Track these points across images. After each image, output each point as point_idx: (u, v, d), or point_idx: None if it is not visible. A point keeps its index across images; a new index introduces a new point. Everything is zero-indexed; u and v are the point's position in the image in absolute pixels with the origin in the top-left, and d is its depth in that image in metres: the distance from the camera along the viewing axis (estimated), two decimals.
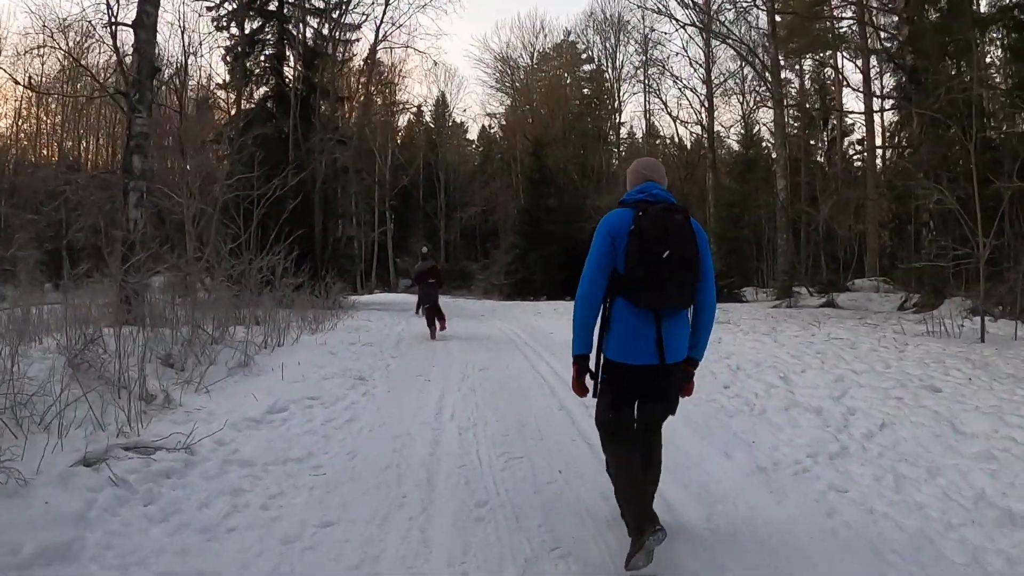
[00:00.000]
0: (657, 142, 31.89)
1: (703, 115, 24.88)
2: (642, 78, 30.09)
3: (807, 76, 35.61)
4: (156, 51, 12.70)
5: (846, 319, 13.12)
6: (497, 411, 5.31)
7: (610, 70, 32.88)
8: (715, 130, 26.04)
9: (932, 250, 14.01)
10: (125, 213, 10.10)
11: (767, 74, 21.19)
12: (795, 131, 37.37)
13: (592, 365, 2.88)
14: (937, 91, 12.34)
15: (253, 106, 20.56)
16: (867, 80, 26.05)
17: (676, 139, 28.03)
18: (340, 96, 20.07)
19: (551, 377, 6.76)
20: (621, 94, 32.28)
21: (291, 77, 20.29)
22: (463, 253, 41.55)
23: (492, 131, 46.06)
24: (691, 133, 27.50)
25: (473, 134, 50.74)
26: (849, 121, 34.88)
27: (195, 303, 8.92)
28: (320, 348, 8.33)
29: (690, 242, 2.68)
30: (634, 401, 2.89)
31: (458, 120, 49.91)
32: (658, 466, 3.00)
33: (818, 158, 35.58)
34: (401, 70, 37.71)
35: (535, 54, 40.65)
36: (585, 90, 40.46)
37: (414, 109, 44.29)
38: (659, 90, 28.58)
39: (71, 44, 19.75)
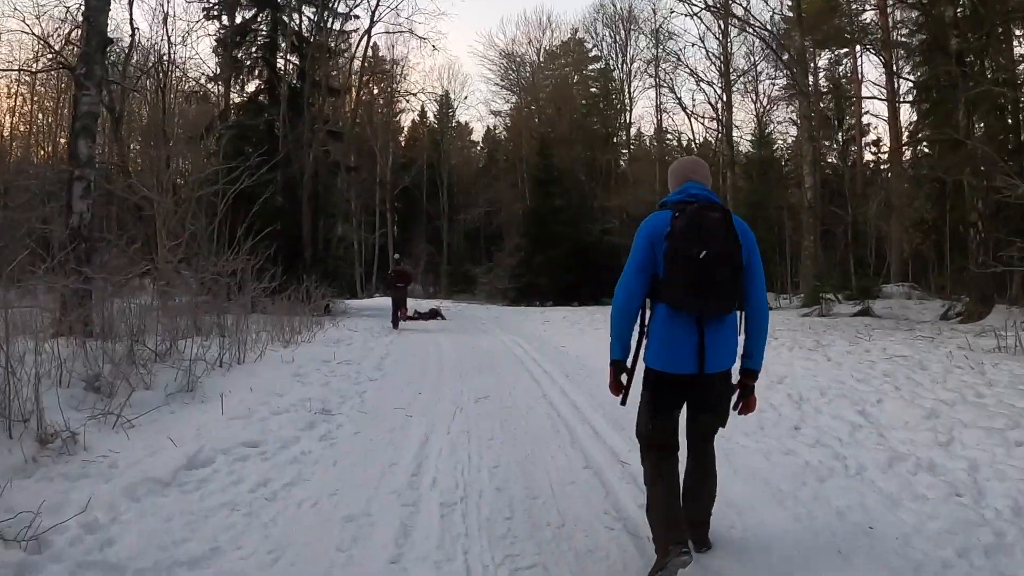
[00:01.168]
0: (668, 139, 30.34)
1: (720, 110, 23.34)
2: (653, 72, 28.55)
3: (821, 74, 34.37)
4: (120, 25, 11.24)
5: (892, 330, 11.58)
6: (498, 471, 3.78)
7: (620, 66, 31.37)
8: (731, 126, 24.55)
9: (980, 253, 12.54)
10: (68, 205, 8.66)
11: (784, 60, 19.70)
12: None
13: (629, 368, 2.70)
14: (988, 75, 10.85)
15: (245, 100, 19.23)
16: (890, 74, 24.59)
17: (691, 136, 26.42)
18: (334, 88, 18.58)
19: (569, 413, 5.22)
20: (632, 90, 30.78)
21: (283, 69, 18.96)
22: (466, 256, 40.08)
23: (497, 131, 44.69)
24: (706, 129, 25.96)
25: (478, 135, 49.44)
26: (865, 121, 33.53)
27: (159, 309, 7.54)
28: (285, 367, 6.84)
29: (730, 240, 2.49)
30: (674, 413, 2.71)
31: (462, 121, 48.61)
32: (713, 481, 2.77)
33: (832, 159, 34.15)
34: (403, 67, 36.35)
35: (541, 51, 39.22)
36: (592, 89, 39.04)
37: (417, 108, 43.03)
38: (672, 84, 27.00)
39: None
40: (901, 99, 24.31)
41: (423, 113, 47.22)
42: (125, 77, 17.95)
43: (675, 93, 26.48)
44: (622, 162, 35.33)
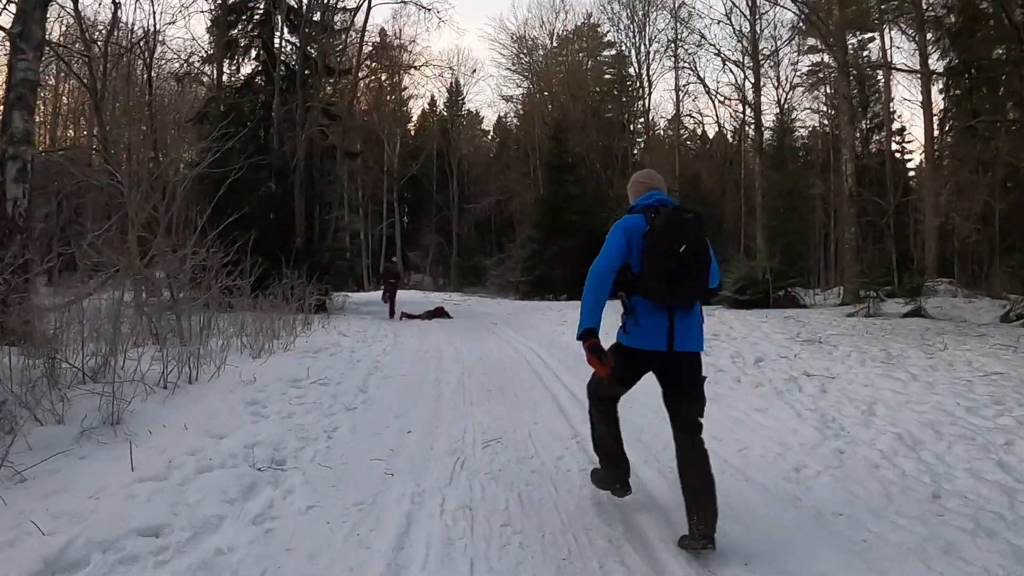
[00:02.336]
0: (691, 122, 28.63)
1: (748, 91, 21.66)
2: (673, 52, 26.83)
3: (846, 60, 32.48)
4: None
5: (960, 336, 9.98)
6: None
7: (637, 48, 29.59)
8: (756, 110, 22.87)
9: None
10: (1, 189, 7.23)
11: (821, 33, 18.01)
12: (827, 122, 34.33)
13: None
14: None
15: (240, 82, 17.76)
16: (924, 56, 22.80)
17: (715, 118, 24.68)
18: (334, 69, 17.06)
19: None
20: (651, 73, 29.04)
21: (280, 48, 17.46)
22: (476, 247, 38.59)
23: (508, 120, 43.05)
24: (733, 113, 24.29)
25: (488, 124, 47.85)
26: (890, 109, 31.68)
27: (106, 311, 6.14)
28: (242, 391, 5.37)
29: (703, 237, 2.84)
30: (632, 383, 3.04)
31: (473, 109, 47.00)
32: (709, 476, 2.75)
33: (857, 148, 32.37)
34: (411, 51, 34.73)
35: (554, 35, 37.47)
36: (607, 75, 37.38)
37: (426, 95, 41.50)
38: (695, 65, 25.29)
39: None
40: (936, 80, 22.59)
41: (432, 102, 45.73)
42: (107, 54, 16.53)
43: (698, 75, 24.68)
44: (636, 151, 33.69)
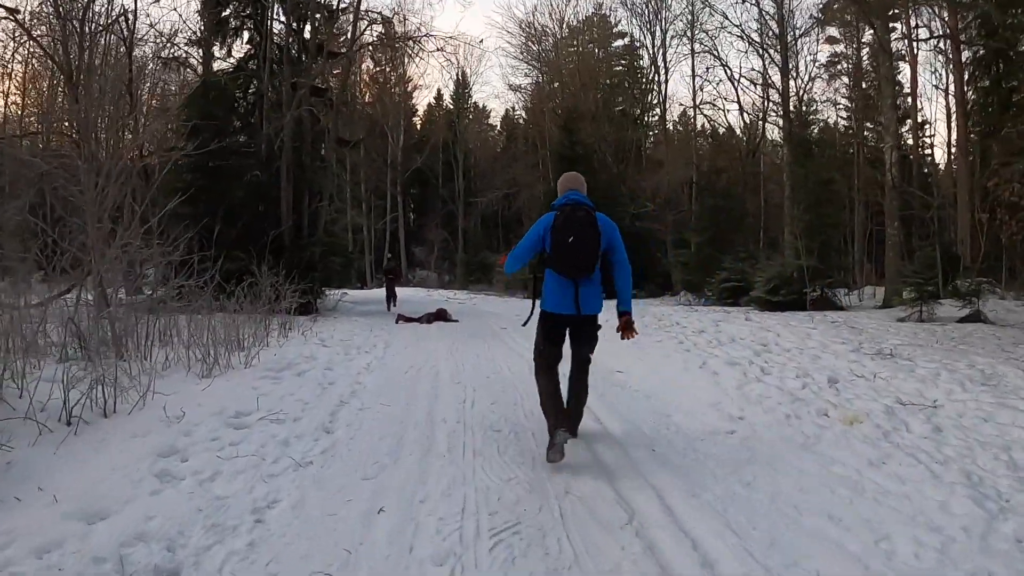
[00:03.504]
0: (704, 112, 26.93)
1: (776, 77, 20.01)
2: (690, 37, 25.18)
3: (864, 51, 30.77)
4: None
5: None
6: None
7: (652, 34, 27.89)
8: (762, 103, 21.22)
9: None
10: None
11: (864, 10, 16.41)
12: (846, 117, 32.59)
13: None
14: None
15: (231, 67, 16.25)
16: (956, 42, 21.10)
17: (738, 105, 22.97)
18: (326, 48, 15.50)
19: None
20: (667, 60, 27.36)
21: (271, 28, 15.95)
22: (483, 243, 37.05)
23: (516, 113, 41.42)
24: (761, 98, 22.61)
25: (496, 119, 46.29)
26: (910, 102, 29.93)
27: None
28: (161, 433, 3.85)
29: (589, 230, 3.71)
30: (559, 343, 4.01)
31: (480, 104, 45.41)
32: (584, 394, 4.05)
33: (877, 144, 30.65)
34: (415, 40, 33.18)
35: (564, 22, 35.79)
36: (618, 67, 35.74)
37: (432, 85, 40.00)
38: (716, 49, 23.67)
39: None
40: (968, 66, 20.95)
41: (439, 96, 44.22)
42: (84, 31, 15.05)
43: (719, 58, 23.01)
44: (648, 145, 32.04)
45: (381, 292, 19.17)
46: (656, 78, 27.14)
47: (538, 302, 4.06)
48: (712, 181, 19.15)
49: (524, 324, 4.18)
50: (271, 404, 4.59)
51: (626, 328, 3.97)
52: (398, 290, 16.21)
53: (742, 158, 22.16)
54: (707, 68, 26.54)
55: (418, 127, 43.04)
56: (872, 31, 15.98)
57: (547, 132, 29.78)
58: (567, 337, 3.99)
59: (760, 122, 22.75)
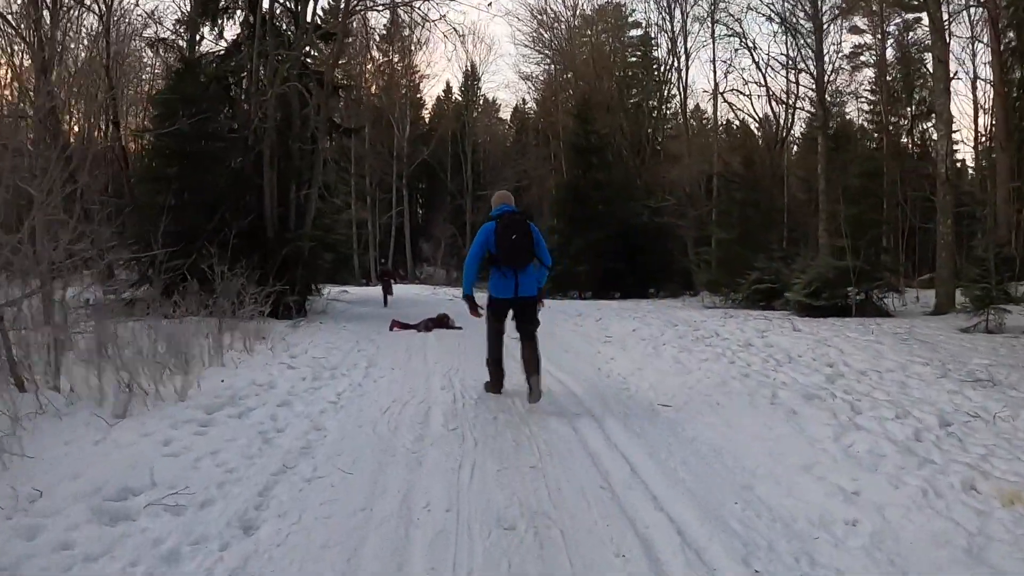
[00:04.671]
0: (728, 100, 25.22)
1: (810, 63, 18.34)
2: (711, 21, 23.53)
3: (890, 41, 28.99)
4: None
5: None
6: None
7: (671, 17, 26.20)
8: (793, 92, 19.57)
9: None
10: None
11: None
12: (868, 110, 30.76)
13: (483, 301, 5.03)
14: None
15: (223, 50, 14.77)
16: (995, 29, 19.38)
17: (766, 91, 21.23)
18: (329, 32, 13.99)
19: None
20: (687, 46, 25.68)
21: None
22: None
23: (526, 105, 39.78)
24: (791, 83, 20.93)
25: (506, 112, 44.70)
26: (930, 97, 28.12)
27: None
28: None
29: (525, 232, 4.81)
30: (503, 320, 5.04)
31: (489, 96, 43.80)
32: (536, 353, 4.78)
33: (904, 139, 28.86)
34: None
35: (577, 12, 34.10)
36: (632, 59, 34.09)
37: (440, 75, 38.50)
38: (741, 32, 21.99)
39: None
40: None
41: (448, 89, 42.72)
42: (56, 5, 13.64)
43: (745, 40, 21.31)
44: (664, 137, 30.38)
45: (370, 291, 18.83)
46: (676, 64, 25.47)
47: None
48: (739, 173, 17.53)
49: (478, 315, 5.05)
50: (178, 473, 3.10)
51: (540, 301, 5.05)
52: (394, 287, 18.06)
53: (769, 149, 20.47)
54: (735, 50, 24.60)
55: (426, 120, 41.55)
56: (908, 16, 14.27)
57: (560, 123, 28.23)
58: (511, 315, 5.01)
59: (790, 111, 21.06)
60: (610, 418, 4.43)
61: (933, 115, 28.41)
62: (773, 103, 20.86)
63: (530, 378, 4.64)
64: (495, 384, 5.08)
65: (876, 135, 29.34)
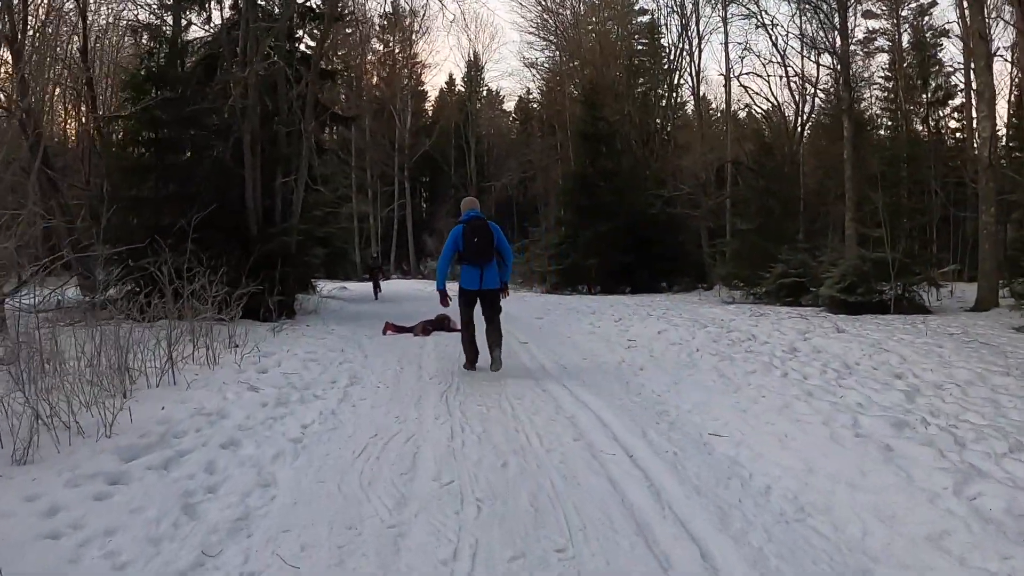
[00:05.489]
0: (740, 85, 24.00)
1: (835, 39, 17.13)
2: (724, 4, 22.33)
3: (905, 25, 27.72)
4: None
5: None
6: None
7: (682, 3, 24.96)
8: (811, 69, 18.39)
9: None
10: None
11: None
12: (883, 98, 29.51)
13: (453, 292, 5.97)
14: None
15: (210, 35, 13.70)
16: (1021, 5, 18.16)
17: (783, 73, 20.07)
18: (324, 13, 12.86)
19: None
20: (700, 28, 24.46)
21: None
22: None
23: (531, 97, 38.58)
24: (809, 64, 19.72)
25: (510, 104, 43.51)
26: (953, 82, 26.87)
27: None
28: None
29: (486, 232, 5.73)
30: (472, 308, 5.89)
31: (493, 89, 42.61)
32: (499, 333, 5.81)
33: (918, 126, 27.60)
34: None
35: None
36: (639, 47, 32.86)
37: (442, 62, 37.41)
38: (759, 12, 20.81)
39: None
40: None
41: (451, 80, 41.59)
42: None
43: (762, 19, 20.10)
44: (673, 126, 29.18)
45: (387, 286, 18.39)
46: (688, 47, 24.29)
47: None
48: (757, 160, 16.38)
49: (447, 305, 6.26)
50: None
51: (503, 290, 5.97)
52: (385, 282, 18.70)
53: (788, 135, 19.29)
54: (756, 26, 23.34)
55: (429, 112, 40.46)
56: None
57: (566, 112, 27.08)
58: (479, 302, 5.91)
59: (809, 93, 19.86)
60: (655, 460, 3.38)
61: (952, 100, 27.47)
62: (792, 85, 19.64)
63: (492, 351, 5.69)
64: (470, 362, 5.90)
65: (890, 123, 28.20)
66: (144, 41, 15.15)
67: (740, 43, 31.16)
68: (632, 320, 9.36)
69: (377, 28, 36.12)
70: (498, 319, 5.80)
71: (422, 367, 5.84)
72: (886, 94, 28.88)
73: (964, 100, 24.01)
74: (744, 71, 34.50)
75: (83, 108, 13.77)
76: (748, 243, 15.39)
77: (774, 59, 22.02)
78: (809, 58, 19.30)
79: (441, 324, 8.26)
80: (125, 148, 9.68)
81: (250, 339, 6.93)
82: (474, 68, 39.22)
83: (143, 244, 7.55)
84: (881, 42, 28.79)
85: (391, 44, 36.78)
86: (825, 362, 6.03)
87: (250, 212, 9.50)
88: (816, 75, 19.99)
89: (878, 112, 29.07)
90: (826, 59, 18.79)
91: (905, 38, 27.19)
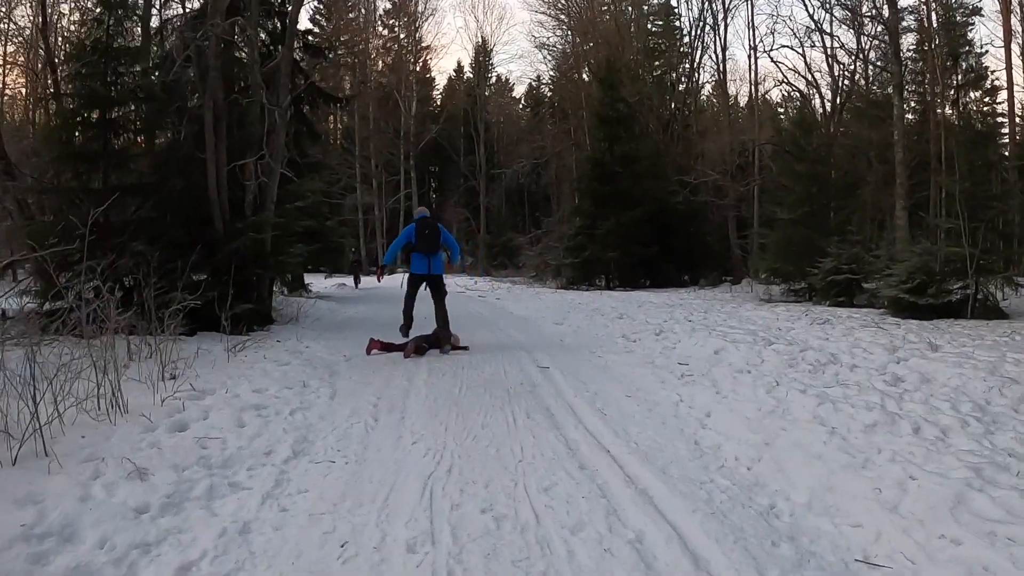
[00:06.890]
0: (771, 60, 22.07)
1: (883, 5, 15.26)
2: None
3: (934, 7, 25.64)
4: None
5: None
6: None
7: None
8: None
9: None
10: None
11: None
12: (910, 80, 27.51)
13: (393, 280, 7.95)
14: None
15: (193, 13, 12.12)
16: None
17: (822, 49, 18.17)
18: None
19: None
20: (726, 5, 22.58)
21: None
22: (507, 223, 32.81)
23: (541, 82, 36.74)
24: (857, 35, 17.85)
25: (519, 91, 41.75)
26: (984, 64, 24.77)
27: None
28: None
29: (435, 230, 6.94)
30: (416, 292, 7.01)
31: (502, 76, 40.82)
32: (444, 313, 6.93)
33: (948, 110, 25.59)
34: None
35: None
36: (654, 28, 31.05)
37: (448, 44, 35.73)
38: None
39: None
40: None
41: (459, 68, 39.89)
42: None
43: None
44: (689, 111, 27.35)
45: (382, 284, 16.92)
46: (714, 22, 22.47)
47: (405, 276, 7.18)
48: (798, 141, 14.62)
49: (380, 280, 7.82)
50: None
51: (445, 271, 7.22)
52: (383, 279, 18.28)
53: (828, 115, 17.47)
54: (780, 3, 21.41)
55: (437, 100, 38.80)
56: None
57: (581, 94, 25.33)
58: (425, 286, 7.02)
59: (849, 71, 18.00)
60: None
61: (982, 82, 25.42)
62: (830, 59, 17.78)
63: (439, 330, 6.80)
64: (405, 328, 6.93)
65: (917, 106, 26.33)
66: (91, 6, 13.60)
67: (771, 15, 29.12)
68: (674, 330, 7.71)
69: (381, 12, 34.48)
70: (444, 301, 6.99)
71: (406, 417, 4.13)
72: (913, 77, 26.97)
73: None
74: (776, 46, 32.28)
75: (49, 90, 12.30)
76: (790, 234, 13.67)
77: (810, 31, 20.07)
78: (852, 29, 17.40)
79: (438, 341, 6.65)
80: (65, 131, 8.11)
81: (196, 365, 5.38)
82: (482, 53, 37.47)
83: (72, 246, 6.00)
84: (908, 21, 26.86)
85: (396, 29, 35.18)
86: (951, 401, 4.37)
87: (213, 204, 7.92)
88: (856, 49, 18.12)
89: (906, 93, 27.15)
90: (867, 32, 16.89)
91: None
